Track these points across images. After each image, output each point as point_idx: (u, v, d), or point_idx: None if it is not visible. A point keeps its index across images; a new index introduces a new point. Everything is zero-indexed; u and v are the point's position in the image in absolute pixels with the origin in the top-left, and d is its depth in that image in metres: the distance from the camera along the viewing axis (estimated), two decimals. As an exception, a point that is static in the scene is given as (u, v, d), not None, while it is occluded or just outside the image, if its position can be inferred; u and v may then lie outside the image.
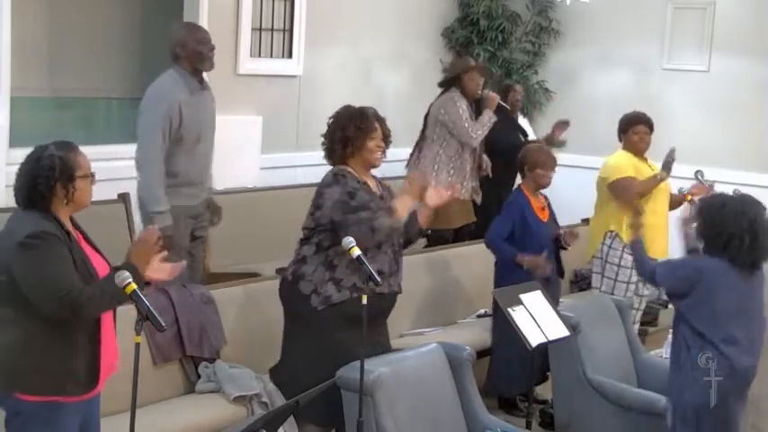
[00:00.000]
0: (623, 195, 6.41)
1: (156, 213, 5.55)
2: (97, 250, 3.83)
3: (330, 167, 4.93)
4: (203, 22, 7.55)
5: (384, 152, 4.94)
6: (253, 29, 7.96)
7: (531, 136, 8.23)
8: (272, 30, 8.13)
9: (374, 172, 5.06)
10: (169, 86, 5.62)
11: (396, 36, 9.05)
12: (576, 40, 9.57)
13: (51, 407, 3.62)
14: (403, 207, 4.77)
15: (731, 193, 4.99)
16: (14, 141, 6.57)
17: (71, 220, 3.77)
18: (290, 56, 8.26)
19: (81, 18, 8.57)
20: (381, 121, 4.94)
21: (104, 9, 8.70)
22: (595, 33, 9.42)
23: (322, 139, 4.96)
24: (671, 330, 6.27)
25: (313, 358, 4.77)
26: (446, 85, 7.56)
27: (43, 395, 3.61)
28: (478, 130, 7.36)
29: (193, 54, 5.65)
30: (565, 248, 6.23)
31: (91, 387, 3.70)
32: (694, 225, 4.75)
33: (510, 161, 7.78)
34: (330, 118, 4.95)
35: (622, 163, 6.51)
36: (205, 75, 5.85)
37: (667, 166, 6.44)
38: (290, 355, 4.94)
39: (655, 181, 6.42)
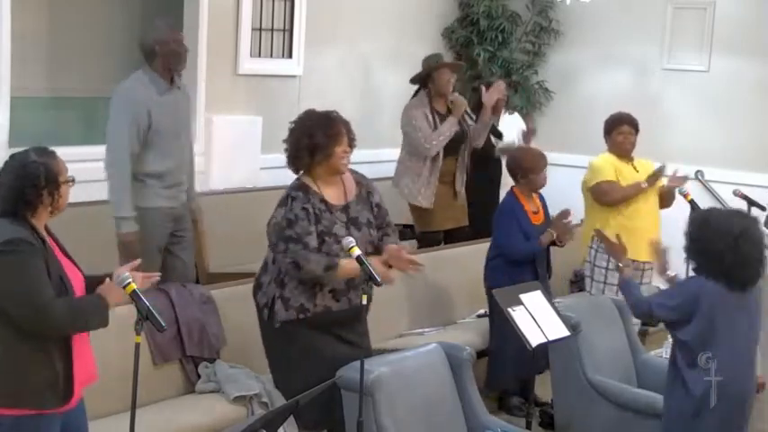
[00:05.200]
0: (602, 199, 6.42)
1: (121, 219, 5.53)
2: (70, 258, 3.77)
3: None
4: (203, 22, 7.56)
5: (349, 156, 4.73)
6: (253, 29, 7.96)
7: (511, 136, 8.09)
8: (272, 30, 8.13)
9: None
10: (136, 89, 5.60)
11: (396, 36, 9.05)
12: (576, 40, 9.57)
13: (30, 420, 3.56)
14: (349, 269, 4.53)
15: (721, 207, 4.92)
16: (14, 141, 6.57)
17: (45, 227, 3.71)
18: (290, 56, 8.26)
19: (81, 18, 8.57)
20: (347, 124, 4.74)
21: (104, 9, 8.70)
22: (595, 33, 9.42)
23: (284, 146, 4.77)
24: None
25: (289, 365, 4.73)
26: (417, 82, 7.38)
27: (21, 408, 3.55)
28: (433, 140, 7.04)
29: (171, 53, 5.63)
30: (560, 245, 6.19)
31: (68, 398, 3.65)
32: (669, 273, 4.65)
33: (487, 160, 7.76)
34: (291, 123, 4.77)
35: (602, 166, 6.49)
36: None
37: (652, 179, 6.40)
38: (271, 361, 4.90)
39: (636, 188, 6.38)
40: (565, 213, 6.04)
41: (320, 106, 4.94)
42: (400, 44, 9.06)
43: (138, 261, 3.83)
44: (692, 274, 4.57)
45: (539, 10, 9.61)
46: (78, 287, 3.69)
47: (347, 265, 4.52)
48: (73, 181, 3.71)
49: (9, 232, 3.53)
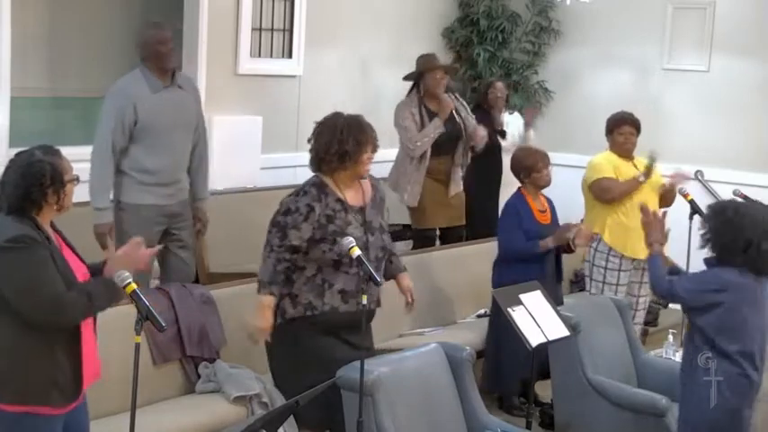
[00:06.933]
0: (602, 197, 6.42)
1: (95, 210, 5.57)
2: (75, 252, 3.78)
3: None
4: (203, 22, 7.56)
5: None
6: (253, 29, 7.96)
7: (513, 135, 8.13)
8: (272, 30, 8.13)
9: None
10: (126, 84, 5.67)
11: (395, 36, 9.05)
12: (576, 40, 9.57)
13: (32, 418, 3.57)
14: (260, 302, 4.66)
15: (735, 198, 4.92)
16: (14, 141, 6.57)
17: (51, 223, 3.72)
18: (290, 56, 8.26)
19: (81, 18, 8.58)
20: (373, 129, 4.75)
21: (104, 9, 8.71)
22: (595, 33, 9.41)
23: (309, 146, 4.75)
24: (671, 331, 6.30)
25: (292, 365, 4.73)
26: (411, 80, 7.47)
27: (26, 405, 3.56)
28: (417, 141, 7.14)
29: (153, 54, 5.66)
30: (571, 251, 6.18)
31: (75, 396, 3.67)
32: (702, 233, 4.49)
33: (487, 160, 7.78)
34: (318, 125, 4.74)
35: (601, 163, 6.50)
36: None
37: (647, 172, 6.41)
38: (273, 360, 4.90)
39: (634, 184, 6.38)
40: (567, 227, 6.04)
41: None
42: (400, 44, 9.06)
43: (139, 240, 3.86)
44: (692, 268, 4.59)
45: (539, 10, 9.60)
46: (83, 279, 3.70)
47: (261, 300, 4.65)
48: (78, 179, 3.71)
49: (13, 230, 3.53)
